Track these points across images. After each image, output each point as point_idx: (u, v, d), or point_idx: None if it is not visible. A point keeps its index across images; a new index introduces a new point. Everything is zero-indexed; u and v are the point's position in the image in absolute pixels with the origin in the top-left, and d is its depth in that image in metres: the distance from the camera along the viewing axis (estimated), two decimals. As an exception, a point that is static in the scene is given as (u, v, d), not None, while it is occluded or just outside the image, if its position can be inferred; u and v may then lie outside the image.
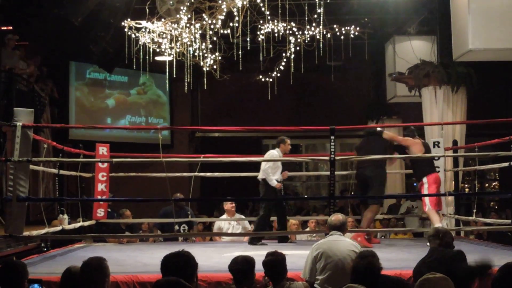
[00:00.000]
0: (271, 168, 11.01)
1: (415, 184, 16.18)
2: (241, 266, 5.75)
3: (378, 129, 10.92)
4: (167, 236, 11.80)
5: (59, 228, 10.03)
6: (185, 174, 12.19)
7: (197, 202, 18.41)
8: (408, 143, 10.60)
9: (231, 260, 5.89)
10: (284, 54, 12.77)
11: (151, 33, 11.95)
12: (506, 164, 10.06)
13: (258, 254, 6.81)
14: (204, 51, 12.40)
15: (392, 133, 10.86)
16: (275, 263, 6.05)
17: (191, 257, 5.07)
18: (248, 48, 12.12)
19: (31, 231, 8.98)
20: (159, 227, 12.51)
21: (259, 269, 6.61)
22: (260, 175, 11.10)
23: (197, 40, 12.04)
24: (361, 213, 11.37)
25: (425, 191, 10.42)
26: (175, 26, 11.77)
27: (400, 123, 17.37)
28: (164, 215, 12.15)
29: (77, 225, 10.83)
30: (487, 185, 21.47)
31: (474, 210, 11.09)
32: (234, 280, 5.85)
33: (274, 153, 11.16)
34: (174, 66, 12.37)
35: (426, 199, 10.42)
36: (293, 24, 12.20)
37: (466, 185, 18.98)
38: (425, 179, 10.44)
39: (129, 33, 11.90)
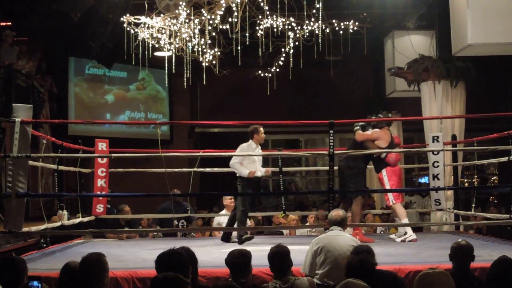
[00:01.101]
0: (241, 163, 10.59)
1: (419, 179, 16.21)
2: (237, 259, 5.82)
3: (356, 128, 10.81)
4: (167, 232, 11.80)
5: (58, 224, 10.04)
6: (184, 169, 12.18)
7: (196, 197, 18.42)
8: (375, 135, 10.59)
9: (227, 254, 5.94)
10: (283, 49, 12.75)
11: (150, 28, 11.94)
12: (506, 158, 10.07)
13: (256, 249, 6.83)
14: (203, 47, 12.39)
15: (362, 134, 10.71)
16: (279, 256, 6.09)
17: (184, 254, 5.11)
18: (247, 43, 12.09)
19: (30, 227, 9.00)
20: (158, 223, 12.51)
21: (259, 264, 6.64)
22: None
23: (196, 36, 12.04)
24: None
25: (385, 183, 10.49)
26: (174, 21, 11.76)
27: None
28: (162, 211, 12.18)
29: (77, 221, 10.84)
30: (486, 179, 21.47)
31: (473, 205, 11.10)
32: (230, 273, 5.90)
33: (243, 146, 10.82)
34: (173, 61, 12.35)
35: (389, 193, 10.50)
36: (292, 19, 12.18)
37: (465, 180, 19.00)
38: (384, 172, 10.52)
39: (128, 29, 11.90)
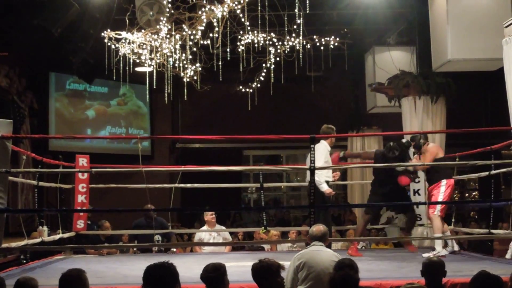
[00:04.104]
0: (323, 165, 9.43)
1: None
2: (211, 273, 5.71)
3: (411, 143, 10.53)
4: (146, 247, 11.74)
5: (38, 240, 9.97)
6: (165, 185, 12.15)
7: (177, 213, 18.37)
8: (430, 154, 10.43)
9: (202, 269, 5.85)
10: (264, 65, 12.78)
11: (131, 43, 11.93)
12: (486, 173, 10.12)
13: (239, 264, 6.80)
14: (184, 62, 12.39)
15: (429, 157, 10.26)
16: (262, 270, 5.98)
17: (173, 268, 5.08)
18: (228, 58, 12.11)
19: (10, 243, 8.92)
20: (133, 239, 12.45)
21: (239, 280, 6.61)
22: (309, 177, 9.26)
23: (177, 51, 12.04)
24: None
25: (440, 193, 10.07)
26: (155, 36, 11.77)
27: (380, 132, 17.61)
28: (136, 227, 12.14)
29: (57, 237, 10.77)
30: (467, 195, 21.54)
31: (453, 220, 11.12)
32: None
33: (321, 146, 9.82)
34: (154, 77, 12.35)
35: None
36: (273, 34, 12.22)
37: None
38: (444, 181, 10.09)
39: (109, 44, 11.88)
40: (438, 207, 10.05)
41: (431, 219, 10.32)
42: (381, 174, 10.49)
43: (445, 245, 10.40)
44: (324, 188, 9.55)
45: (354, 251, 10.26)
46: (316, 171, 9.07)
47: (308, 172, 9.29)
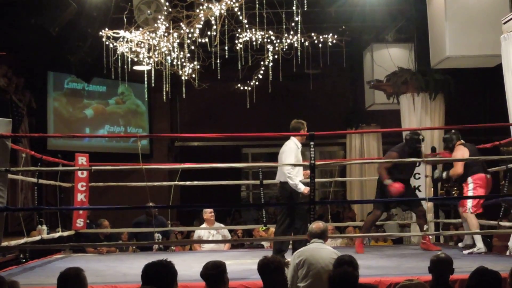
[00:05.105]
0: (293, 167, 9.07)
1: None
2: (211, 271, 5.70)
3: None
4: (145, 245, 11.74)
5: (37, 238, 9.97)
6: (164, 183, 12.12)
7: (176, 211, 18.37)
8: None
9: (202, 267, 5.84)
10: (262, 63, 12.77)
11: (129, 42, 11.92)
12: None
13: (238, 262, 6.79)
14: (183, 60, 12.38)
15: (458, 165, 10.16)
16: (265, 267, 5.98)
17: (171, 266, 5.09)
18: (226, 56, 12.10)
19: (9, 242, 8.92)
20: (133, 237, 12.46)
21: (239, 277, 6.61)
22: (279, 177, 9.33)
23: (175, 49, 12.03)
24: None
25: (469, 191, 10.00)
26: (153, 35, 11.75)
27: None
28: (136, 225, 12.14)
29: (56, 235, 10.77)
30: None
31: (454, 216, 11.12)
32: (206, 285, 5.78)
33: (291, 145, 9.29)
34: (153, 75, 12.33)
35: (468, 201, 9.98)
36: (271, 32, 12.21)
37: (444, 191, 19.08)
38: (470, 179, 10.01)
39: (107, 43, 11.87)
40: (469, 204, 9.99)
41: (463, 218, 10.26)
42: (404, 166, 10.45)
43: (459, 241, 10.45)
44: (302, 188, 9.01)
45: (359, 248, 10.30)
46: (288, 174, 8.98)
47: (279, 172, 9.32)
